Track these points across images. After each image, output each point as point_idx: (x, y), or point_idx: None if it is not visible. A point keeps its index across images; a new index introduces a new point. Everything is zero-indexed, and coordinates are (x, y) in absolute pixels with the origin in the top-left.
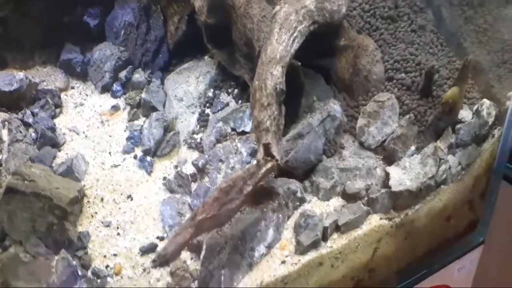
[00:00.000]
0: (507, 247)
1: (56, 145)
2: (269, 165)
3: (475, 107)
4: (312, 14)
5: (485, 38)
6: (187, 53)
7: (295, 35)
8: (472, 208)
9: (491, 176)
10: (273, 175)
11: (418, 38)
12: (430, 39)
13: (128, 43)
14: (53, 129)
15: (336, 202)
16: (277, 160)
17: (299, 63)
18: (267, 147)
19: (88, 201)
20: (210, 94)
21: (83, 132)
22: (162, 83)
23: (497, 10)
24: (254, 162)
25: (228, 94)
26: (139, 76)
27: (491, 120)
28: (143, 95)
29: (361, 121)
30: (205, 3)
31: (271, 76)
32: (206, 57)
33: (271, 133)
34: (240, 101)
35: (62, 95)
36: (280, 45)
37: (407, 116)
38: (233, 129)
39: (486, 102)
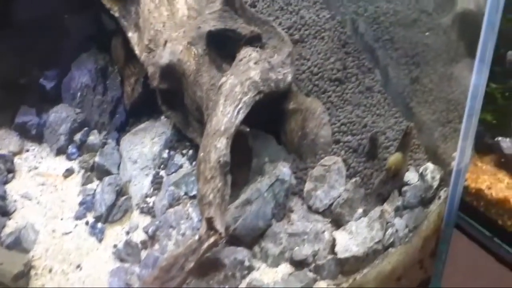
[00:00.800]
0: None
1: (6, 213)
2: (211, 239)
3: (420, 170)
4: (257, 85)
5: (431, 98)
6: (144, 113)
7: (240, 106)
8: (423, 267)
9: (440, 235)
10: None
11: (365, 100)
12: (377, 100)
13: (85, 105)
14: (3, 197)
15: (285, 268)
16: (220, 234)
17: (248, 129)
18: (209, 221)
19: (36, 273)
20: (165, 155)
21: (36, 198)
22: (118, 143)
23: (443, 69)
24: (196, 237)
25: (183, 155)
26: (94, 138)
27: (435, 184)
28: (97, 158)
29: (308, 185)
30: (157, 69)
31: (215, 149)
32: (162, 117)
33: (215, 206)
34: (194, 163)
35: (16, 159)
36: (225, 116)
37: (353, 180)
38: (186, 193)
39: (430, 166)
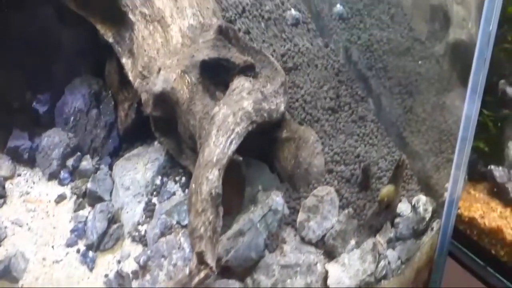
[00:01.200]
0: None
1: None
2: (202, 274)
3: (412, 202)
4: (250, 115)
5: (424, 128)
6: (137, 138)
7: (232, 137)
8: None
9: (432, 267)
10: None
11: (359, 129)
12: (370, 129)
13: (78, 129)
14: None
15: None
16: (211, 268)
17: (241, 158)
18: (200, 256)
19: None
20: (157, 182)
21: (27, 224)
22: (111, 169)
23: (435, 98)
24: (187, 271)
25: (176, 182)
26: (86, 163)
27: (428, 216)
28: (89, 184)
29: (301, 216)
30: (151, 97)
31: (207, 181)
32: (155, 143)
33: (206, 239)
34: (186, 190)
35: (7, 184)
36: (217, 147)
37: (346, 211)
38: (178, 222)
39: (423, 198)
